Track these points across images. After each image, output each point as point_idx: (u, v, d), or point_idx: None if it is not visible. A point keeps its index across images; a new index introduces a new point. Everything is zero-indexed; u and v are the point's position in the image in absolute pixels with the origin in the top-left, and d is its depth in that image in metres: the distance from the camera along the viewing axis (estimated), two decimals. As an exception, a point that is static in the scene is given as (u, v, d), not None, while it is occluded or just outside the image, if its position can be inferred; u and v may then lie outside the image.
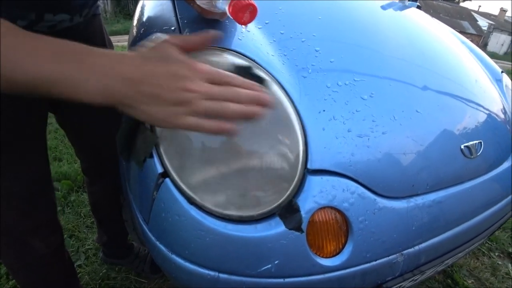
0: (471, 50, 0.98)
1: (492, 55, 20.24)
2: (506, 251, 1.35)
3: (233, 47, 0.54)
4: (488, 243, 1.39)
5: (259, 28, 0.63)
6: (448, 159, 0.62)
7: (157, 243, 0.54)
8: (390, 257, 0.56)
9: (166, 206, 0.51)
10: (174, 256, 0.52)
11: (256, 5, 0.39)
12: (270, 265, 0.48)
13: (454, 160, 0.63)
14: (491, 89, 0.82)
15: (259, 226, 0.49)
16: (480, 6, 40.48)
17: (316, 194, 0.50)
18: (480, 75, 0.84)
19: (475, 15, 31.73)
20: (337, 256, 0.52)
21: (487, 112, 0.73)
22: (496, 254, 1.33)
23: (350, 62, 0.62)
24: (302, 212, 0.49)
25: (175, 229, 0.51)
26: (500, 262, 1.28)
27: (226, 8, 0.41)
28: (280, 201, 0.49)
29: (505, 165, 0.72)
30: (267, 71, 0.53)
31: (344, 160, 0.53)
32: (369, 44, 0.69)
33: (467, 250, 0.69)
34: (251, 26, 0.62)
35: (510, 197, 0.73)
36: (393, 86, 0.63)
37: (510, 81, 0.95)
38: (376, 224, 0.54)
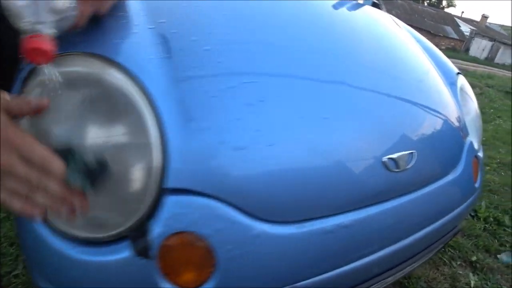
0: (426, 49, 0.81)
1: (474, 60, 20.52)
2: (469, 260, 1.23)
3: (104, 52, 0.49)
4: (450, 252, 1.26)
5: (150, 28, 0.57)
6: (363, 175, 0.52)
7: (26, 258, 0.52)
8: (274, 290, 0.48)
9: (22, 222, 0.48)
10: (35, 274, 0.50)
11: (50, 49, 0.32)
12: (114, 294, 0.44)
13: (371, 175, 0.52)
14: (439, 92, 0.66)
15: (106, 249, 0.44)
16: (463, 12, 40.82)
17: (171, 217, 0.44)
18: (428, 76, 0.68)
19: (458, 20, 31.83)
20: (198, 288, 0.45)
21: (429, 118, 0.59)
22: (458, 263, 1.21)
23: (243, 62, 0.54)
24: (152, 237, 0.43)
25: (31, 247, 0.49)
26: (461, 272, 1.16)
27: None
28: (129, 223, 0.44)
29: (449, 177, 0.58)
30: (136, 77, 0.48)
31: (212, 178, 0.46)
32: (281, 41, 0.59)
33: (393, 277, 0.57)
34: (142, 26, 0.56)
35: (453, 213, 0.59)
36: (297, 88, 0.54)
37: (467, 83, 0.77)
38: (251, 254, 0.46)
